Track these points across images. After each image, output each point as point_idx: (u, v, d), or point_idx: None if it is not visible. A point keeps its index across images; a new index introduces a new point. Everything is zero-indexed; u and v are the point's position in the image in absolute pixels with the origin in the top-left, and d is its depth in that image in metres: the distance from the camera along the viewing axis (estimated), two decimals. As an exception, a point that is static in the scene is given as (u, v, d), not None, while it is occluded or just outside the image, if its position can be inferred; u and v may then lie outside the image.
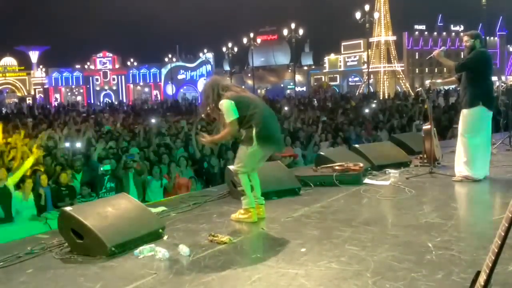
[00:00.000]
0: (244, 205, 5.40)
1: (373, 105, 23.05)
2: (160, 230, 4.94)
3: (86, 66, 69.89)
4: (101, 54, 68.52)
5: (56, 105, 51.04)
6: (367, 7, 36.02)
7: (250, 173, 5.44)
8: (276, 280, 3.72)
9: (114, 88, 67.71)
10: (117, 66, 68.94)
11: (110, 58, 68.50)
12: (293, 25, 44.07)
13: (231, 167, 6.69)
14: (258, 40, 54.27)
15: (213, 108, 5.31)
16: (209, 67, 66.10)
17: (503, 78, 56.37)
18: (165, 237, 4.89)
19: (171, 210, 5.98)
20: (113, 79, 67.90)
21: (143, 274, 3.98)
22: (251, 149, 5.19)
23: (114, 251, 4.39)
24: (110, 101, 57.59)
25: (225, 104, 5.16)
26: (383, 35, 55.80)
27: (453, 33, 61.89)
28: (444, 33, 62.20)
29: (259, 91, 62.55)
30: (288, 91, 59.79)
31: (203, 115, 5.62)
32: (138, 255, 4.38)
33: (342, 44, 64.76)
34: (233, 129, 5.23)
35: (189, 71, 66.03)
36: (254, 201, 5.41)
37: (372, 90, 45.59)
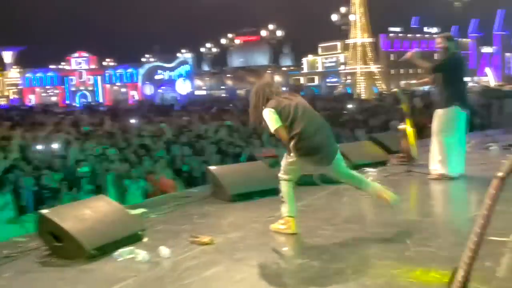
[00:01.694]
0: (283, 214, 4.98)
1: (352, 106, 23.23)
2: (140, 232, 4.90)
3: (61, 66, 69.03)
4: (76, 54, 67.73)
5: (30, 106, 50.34)
6: (343, 10, 36.31)
7: (342, 179, 5.21)
8: (259, 280, 3.73)
9: (90, 88, 66.98)
10: (93, 66, 68.21)
11: (86, 58, 67.75)
12: (272, 27, 44.22)
13: (212, 168, 6.72)
14: (238, 41, 54.27)
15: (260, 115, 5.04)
16: (187, 67, 65.82)
17: (475, 78, 57.31)
18: (145, 239, 4.85)
19: (152, 212, 5.95)
20: (89, 80, 67.17)
21: (123, 276, 3.94)
22: (290, 158, 4.98)
23: (93, 254, 4.34)
24: (86, 101, 57.02)
25: (265, 114, 4.93)
26: (359, 37, 56.21)
27: (428, 35, 62.67)
28: (419, 35, 62.95)
29: (238, 91, 62.56)
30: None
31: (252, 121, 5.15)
32: (117, 257, 4.33)
33: (320, 45, 65.10)
34: (283, 136, 4.93)
35: (167, 71, 65.65)
36: (294, 211, 4.97)
37: (349, 91, 45.95)
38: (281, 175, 5.08)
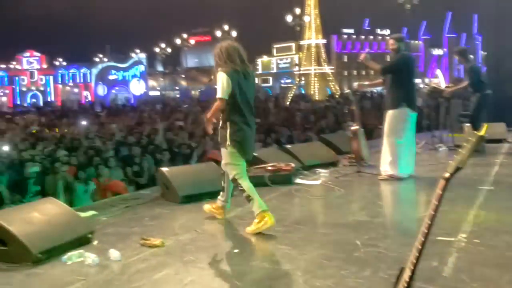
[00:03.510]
0: (255, 211, 4.83)
1: (304, 107, 23.43)
2: (89, 235, 4.81)
3: (11, 66, 66.94)
4: (28, 54, 65.86)
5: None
6: (298, 11, 36.59)
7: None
8: (209, 282, 3.72)
9: (42, 88, 65.24)
10: (44, 66, 66.46)
11: (37, 58, 65.89)
12: (226, 27, 44.13)
13: (163, 169, 6.64)
14: (192, 41, 53.91)
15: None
16: (142, 67, 64.89)
17: (426, 80, 58.79)
18: (95, 242, 4.76)
19: (101, 214, 5.84)
20: (41, 79, 65.42)
21: (71, 280, 3.86)
22: (230, 150, 4.85)
23: (40, 258, 4.23)
24: (36, 101, 55.55)
25: (220, 77, 4.73)
26: (313, 38, 56.77)
27: (380, 37, 63.86)
28: (371, 37, 64.08)
29: (193, 92, 62.11)
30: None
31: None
32: (66, 261, 4.24)
33: (274, 46, 65.41)
34: (219, 109, 4.77)
35: (121, 71, 64.60)
36: (263, 203, 4.88)
37: (303, 92, 46.34)
38: (234, 175, 4.93)
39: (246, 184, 4.89)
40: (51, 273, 4.06)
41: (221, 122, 4.95)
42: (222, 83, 4.74)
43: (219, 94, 4.75)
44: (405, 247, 4.18)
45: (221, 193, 5.37)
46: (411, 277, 2.19)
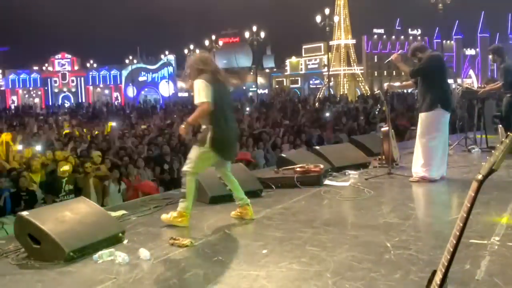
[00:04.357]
0: (180, 208, 5.18)
1: (334, 108, 23.34)
2: (120, 234, 4.88)
3: (44, 68, 68.34)
4: (59, 56, 67.12)
5: (13, 107, 49.75)
6: (327, 11, 36.42)
7: (223, 178, 5.35)
8: (238, 283, 3.72)
9: (73, 90, 66.43)
10: (76, 67, 67.64)
11: (69, 60, 67.15)
12: (254, 28, 44.17)
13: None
14: (220, 43, 54.15)
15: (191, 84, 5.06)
16: (170, 69, 65.52)
17: (459, 80, 57.86)
18: (125, 241, 4.82)
19: (132, 214, 5.91)
20: (72, 81, 66.61)
21: (102, 279, 3.91)
22: (202, 150, 5.05)
23: (72, 256, 4.31)
24: (69, 103, 56.58)
25: (197, 84, 4.93)
26: (343, 38, 56.48)
27: (411, 37, 63.16)
28: (402, 37, 63.43)
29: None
30: (250, 94, 59.89)
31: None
32: (97, 259, 4.30)
33: (303, 47, 65.26)
34: (205, 113, 4.93)
35: (151, 73, 65.32)
36: (191, 207, 5.20)
37: (332, 93, 46.08)
38: (188, 168, 5.10)
39: (191, 185, 5.12)
40: (82, 272, 4.13)
41: (202, 126, 5.14)
42: (200, 88, 4.93)
43: (202, 99, 4.92)
44: (437, 250, 4.13)
45: (233, 195, 5.49)
46: (443, 280, 2.16)
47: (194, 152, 5.14)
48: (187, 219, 5.20)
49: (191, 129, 5.21)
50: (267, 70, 72.66)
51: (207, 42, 48.50)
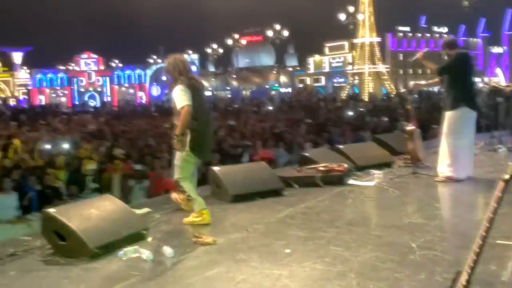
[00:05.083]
0: (195, 208, 5.34)
1: (358, 106, 23.19)
2: (144, 231, 4.93)
3: (70, 67, 69.26)
4: (85, 55, 67.96)
5: (39, 106, 50.55)
6: (351, 9, 36.19)
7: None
8: (260, 281, 3.72)
9: (99, 89, 67.22)
10: (101, 67, 68.42)
11: (94, 59, 67.91)
12: (277, 27, 44.10)
13: (215, 168, 6.70)
14: (243, 41, 54.21)
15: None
16: (194, 68, 65.86)
17: (485, 79, 56.98)
18: (149, 238, 4.87)
19: (156, 211, 5.96)
20: (98, 80, 67.40)
21: (127, 275, 3.96)
22: (185, 155, 5.24)
23: (97, 253, 4.37)
24: (94, 102, 57.34)
25: (177, 91, 5.13)
26: (367, 36, 55.96)
27: (437, 35, 62.41)
28: (428, 35, 62.69)
29: (244, 92, 62.49)
30: (273, 92, 59.86)
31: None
32: (121, 256, 4.36)
33: (327, 45, 64.85)
34: (187, 116, 5.07)
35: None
36: (203, 202, 5.38)
37: (356, 91, 45.81)
38: (179, 176, 5.32)
39: (187, 185, 5.35)
40: (107, 268, 4.18)
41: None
42: (181, 94, 5.12)
43: (184, 102, 5.09)
44: (462, 250, 4.07)
45: None
46: (468, 281, 2.12)
47: (178, 158, 5.34)
48: (208, 216, 5.32)
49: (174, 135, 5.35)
50: (290, 69, 72.47)
51: (229, 41, 48.56)
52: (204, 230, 5.07)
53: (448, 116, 6.96)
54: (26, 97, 67.42)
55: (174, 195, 6.07)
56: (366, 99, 35.14)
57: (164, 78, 63.88)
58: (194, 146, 5.22)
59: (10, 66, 71.85)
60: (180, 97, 5.10)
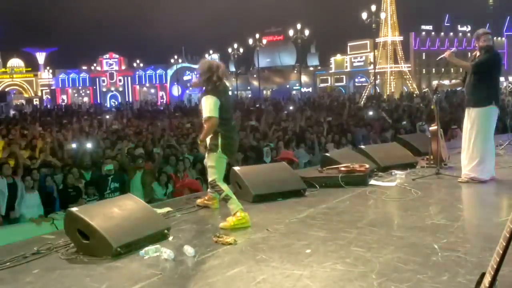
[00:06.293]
0: (233, 211, 5.26)
1: (381, 107, 23.02)
2: (166, 231, 4.96)
3: (92, 68, 70.09)
4: (107, 56, 68.72)
5: (62, 106, 51.24)
6: (373, 8, 35.89)
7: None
8: (281, 281, 3.72)
9: (121, 89, 67.91)
10: (123, 67, 69.11)
11: (116, 59, 68.69)
12: (299, 26, 43.96)
13: (236, 168, 6.71)
14: (264, 41, 54.16)
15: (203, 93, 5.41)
16: (215, 68, 66.02)
17: (510, 78, 56.10)
18: (171, 238, 4.90)
19: (177, 211, 6.00)
20: (120, 80, 68.09)
21: (149, 274, 3.99)
22: (218, 157, 5.35)
23: (119, 252, 4.41)
24: (116, 102, 57.88)
25: (208, 99, 5.25)
26: (389, 35, 55.54)
27: (460, 34, 61.67)
28: (451, 34, 61.98)
29: (264, 92, 62.46)
30: (294, 92, 59.74)
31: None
32: (143, 255, 4.39)
33: (348, 44, 64.53)
34: (213, 127, 5.25)
35: (195, 72, 66.02)
36: (240, 203, 5.37)
37: (378, 91, 45.42)
38: (214, 177, 5.37)
39: (224, 186, 5.42)
40: (129, 267, 4.22)
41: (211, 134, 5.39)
42: (211, 104, 5.24)
43: (211, 113, 5.24)
44: (486, 252, 4.02)
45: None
46: (492, 283, 2.10)
47: (211, 160, 5.41)
48: (247, 218, 5.25)
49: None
50: (311, 68, 72.30)
51: (251, 41, 48.58)
52: (225, 230, 5.08)
53: (476, 113, 6.78)
54: (49, 96, 68.41)
55: (199, 200, 6.20)
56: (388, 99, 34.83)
57: (185, 77, 64.43)
58: (225, 147, 5.36)
59: (33, 67, 72.99)
60: (208, 107, 5.23)
